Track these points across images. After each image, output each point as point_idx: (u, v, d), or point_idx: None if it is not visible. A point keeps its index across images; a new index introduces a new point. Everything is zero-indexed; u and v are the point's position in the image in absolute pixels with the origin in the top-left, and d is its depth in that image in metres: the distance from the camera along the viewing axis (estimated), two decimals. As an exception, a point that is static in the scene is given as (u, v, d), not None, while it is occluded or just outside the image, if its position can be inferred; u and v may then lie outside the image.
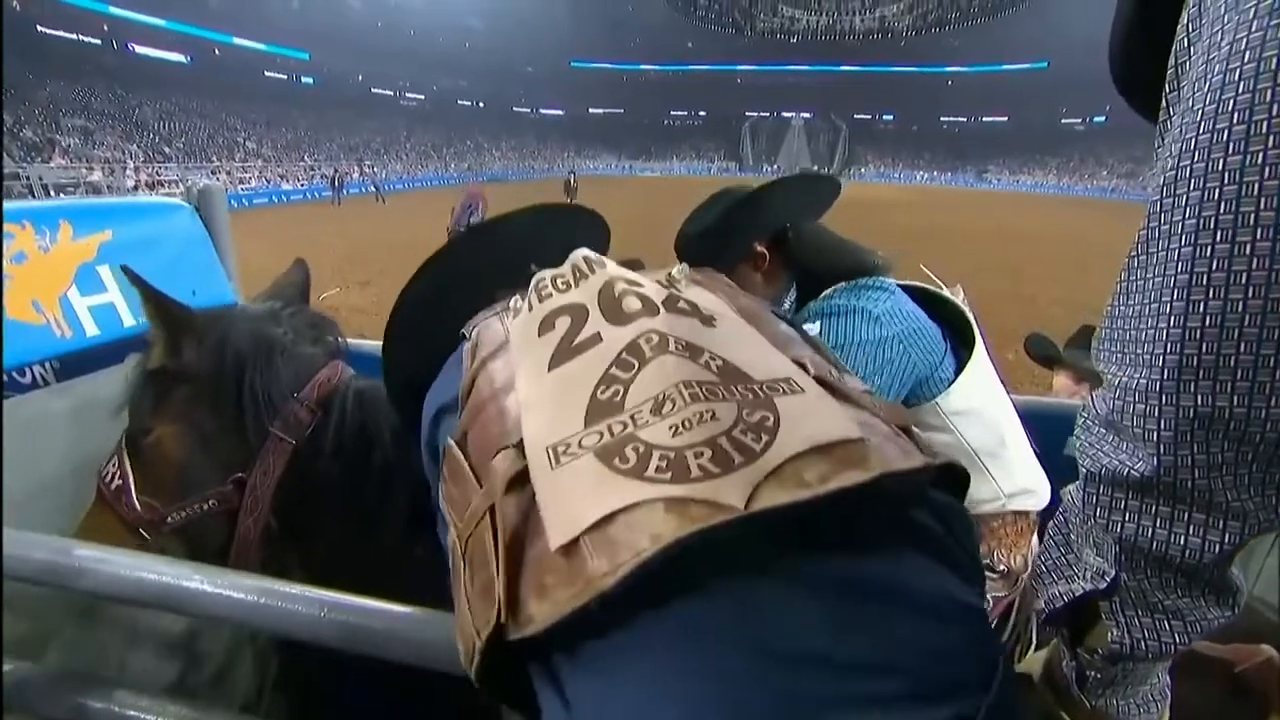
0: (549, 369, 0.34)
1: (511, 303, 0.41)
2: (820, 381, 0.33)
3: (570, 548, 0.26)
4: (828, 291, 0.97)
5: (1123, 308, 0.49)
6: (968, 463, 0.85)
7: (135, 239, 1.09)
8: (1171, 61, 0.47)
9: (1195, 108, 0.42)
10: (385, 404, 0.87)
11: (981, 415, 0.93)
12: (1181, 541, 0.48)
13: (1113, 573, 0.52)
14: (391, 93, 55.34)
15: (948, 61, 63.64)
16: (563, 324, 0.36)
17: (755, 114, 70.59)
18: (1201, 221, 0.41)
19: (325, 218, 19.16)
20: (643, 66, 71.91)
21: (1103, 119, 54.31)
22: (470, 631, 0.29)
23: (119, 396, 1.08)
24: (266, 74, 44.54)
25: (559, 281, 0.39)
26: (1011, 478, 0.92)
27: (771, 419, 0.28)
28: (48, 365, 1.14)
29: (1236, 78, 0.40)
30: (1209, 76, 0.42)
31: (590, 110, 72.37)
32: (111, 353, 1.06)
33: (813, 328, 0.93)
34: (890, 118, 67.91)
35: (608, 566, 0.25)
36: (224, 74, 39.94)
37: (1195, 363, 0.43)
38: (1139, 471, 0.48)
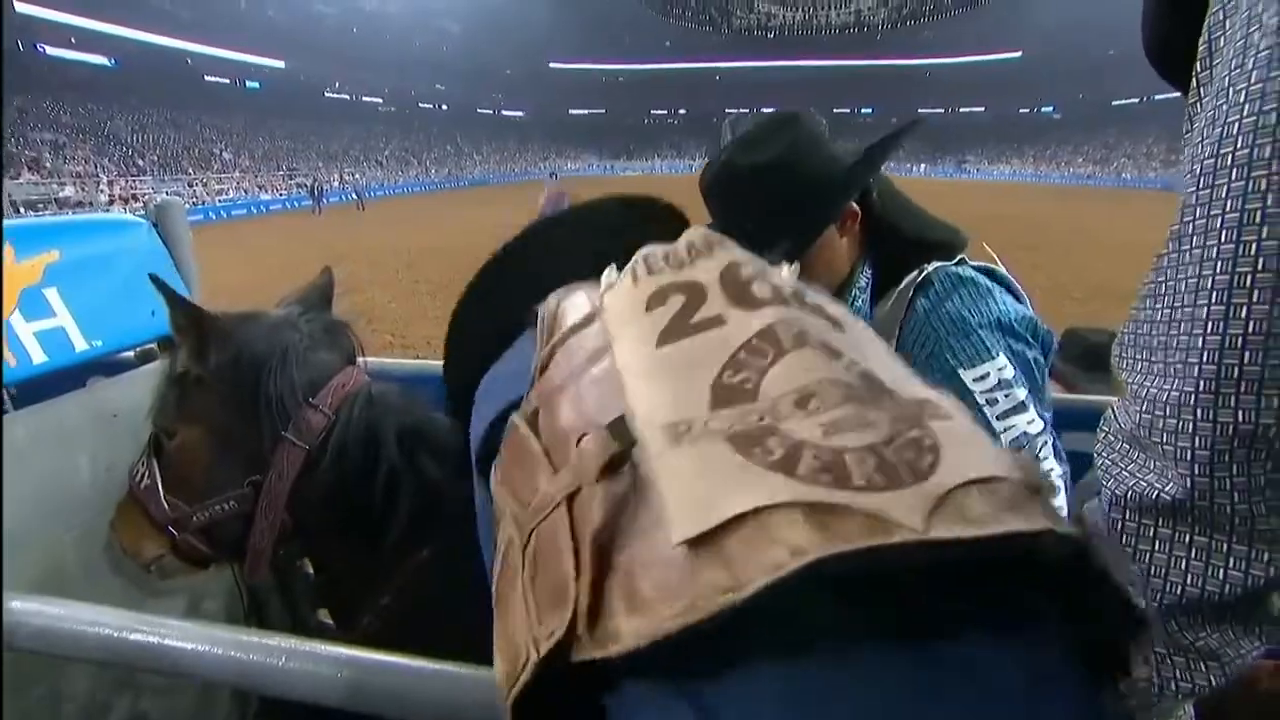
0: (658, 345, 0.28)
1: (604, 275, 0.35)
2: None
3: (688, 549, 0.21)
4: (935, 266, 0.83)
5: (1150, 311, 0.44)
6: None
7: (86, 258, 1.03)
8: (1203, 37, 0.42)
9: (1237, 88, 0.38)
10: (395, 408, 0.88)
11: None
12: (1220, 575, 0.43)
13: (1140, 603, 0.47)
14: (370, 99, 54.88)
15: (923, 54, 64.21)
16: (676, 301, 0.30)
17: (735, 110, 70.73)
18: (1246, 215, 0.37)
19: (306, 227, 18.95)
20: (621, 66, 71.84)
21: (1070, 108, 55.04)
22: (523, 643, 0.24)
23: (78, 422, 1.04)
24: (247, 84, 44.03)
25: (670, 257, 0.33)
26: None
27: (930, 440, 0.24)
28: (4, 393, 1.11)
29: None
30: (1252, 53, 0.37)
31: (570, 111, 72.16)
32: (63, 379, 1.01)
33: (931, 302, 0.81)
34: (869, 111, 68.31)
35: (728, 580, 0.20)
36: (198, 85, 39.43)
37: (1236, 374, 0.38)
38: (1170, 495, 0.43)
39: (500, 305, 0.42)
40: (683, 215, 0.55)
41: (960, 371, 0.76)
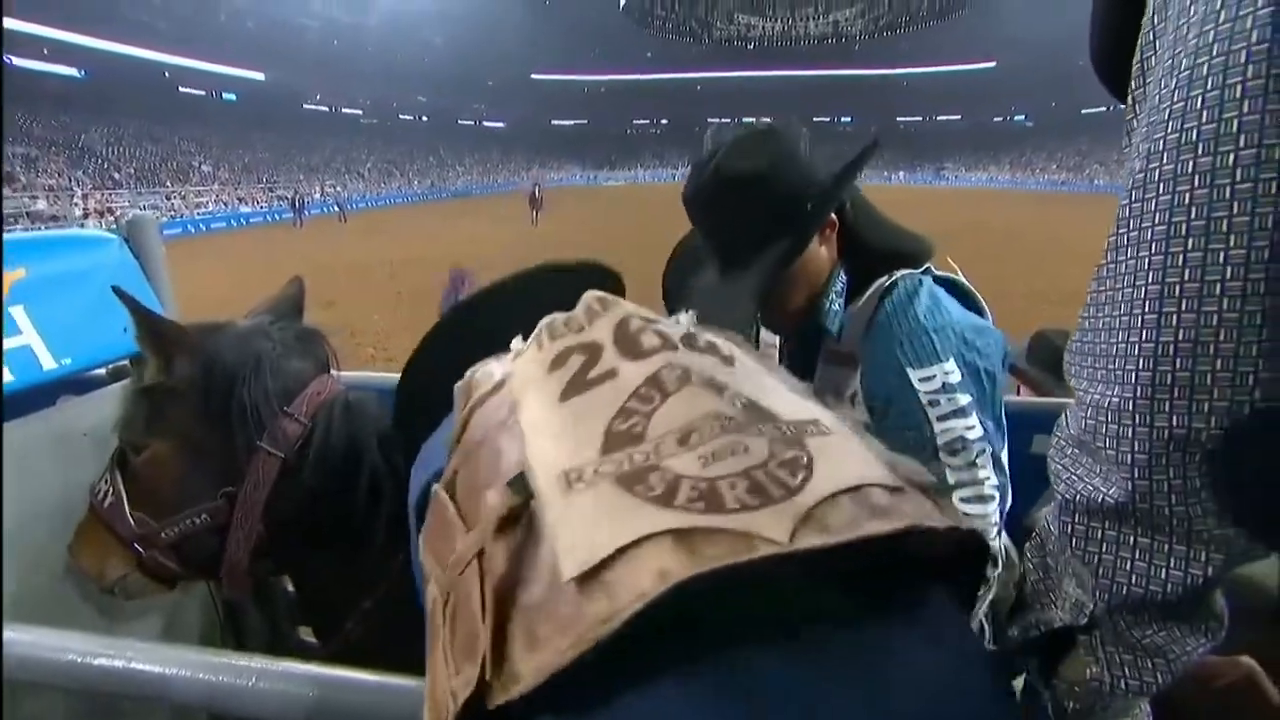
0: (560, 400, 0.31)
1: (513, 344, 0.37)
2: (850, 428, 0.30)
3: (576, 586, 0.22)
4: (902, 274, 0.87)
5: (1093, 320, 0.45)
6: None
7: (55, 275, 1.01)
8: (1137, 56, 0.44)
9: (1162, 106, 0.39)
10: (373, 415, 0.88)
11: None
12: (1162, 575, 0.45)
13: (1091, 606, 0.49)
14: (351, 111, 54.61)
15: (900, 64, 65.22)
16: (576, 361, 0.33)
17: (716, 120, 71.22)
18: (1172, 228, 0.39)
19: (287, 239, 18.76)
20: (603, 77, 72.19)
21: (1043, 116, 56.17)
22: (444, 696, 0.25)
23: (44, 442, 1.02)
24: (223, 96, 43.63)
25: (571, 322, 0.36)
26: None
27: (805, 458, 0.26)
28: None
29: (1205, 72, 0.37)
30: (1176, 72, 0.39)
31: (553, 122, 72.31)
32: (32, 399, 0.99)
33: (894, 305, 0.85)
34: (848, 119, 69.15)
35: (608, 610, 0.21)
36: (176, 97, 39.00)
37: (1169, 380, 0.40)
38: (1113, 498, 0.45)
39: (439, 374, 0.43)
40: (617, 276, 0.58)
41: (908, 370, 0.80)
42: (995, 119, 62.28)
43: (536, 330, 0.36)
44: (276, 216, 26.72)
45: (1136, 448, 0.42)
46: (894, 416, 0.82)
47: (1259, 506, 0.42)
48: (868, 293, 0.89)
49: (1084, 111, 49.83)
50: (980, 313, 0.96)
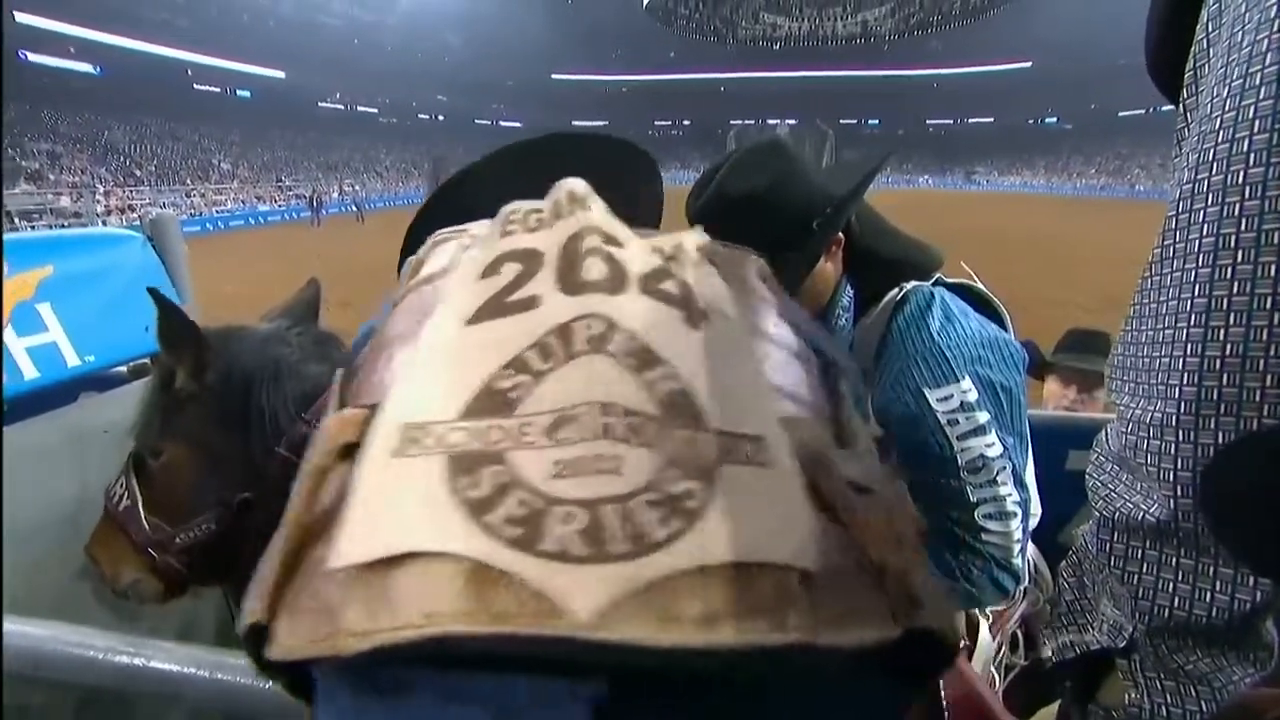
0: (467, 323, 0.27)
1: (474, 228, 0.34)
2: (809, 457, 0.24)
3: (355, 573, 0.20)
4: (913, 285, 0.87)
5: (1135, 333, 0.45)
6: None
7: (80, 273, 1.05)
8: (1190, 64, 0.43)
9: (1213, 115, 0.39)
10: None
11: None
12: (1207, 599, 0.44)
13: (1130, 629, 0.48)
14: (368, 109, 55.45)
15: (931, 64, 64.71)
16: (509, 271, 0.29)
17: (740, 122, 71.28)
18: (1221, 240, 0.38)
19: (304, 238, 19.06)
20: (625, 77, 72.59)
21: (1080, 118, 55.32)
22: (250, 604, 0.22)
23: (65, 439, 1.05)
24: (237, 93, 44.60)
25: (532, 217, 0.32)
26: None
27: (698, 500, 0.21)
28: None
29: (1258, 81, 0.36)
30: (1228, 80, 0.38)
31: (573, 123, 72.80)
32: (54, 395, 1.02)
33: (905, 321, 0.85)
34: (876, 122, 68.78)
35: (363, 625, 0.19)
36: (194, 95, 39.96)
37: (1216, 396, 0.39)
38: (1155, 516, 0.44)
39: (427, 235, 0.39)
40: (643, 154, 0.52)
41: (925, 390, 0.81)
42: (1030, 121, 61.47)
43: (498, 217, 0.32)
44: (294, 215, 27.15)
45: (1180, 465, 0.41)
46: (914, 437, 0.82)
47: (1243, 531, 0.42)
48: (878, 307, 0.89)
49: (1122, 114, 49.06)
50: (999, 318, 0.95)
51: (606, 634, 0.17)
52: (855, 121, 68.48)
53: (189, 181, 29.30)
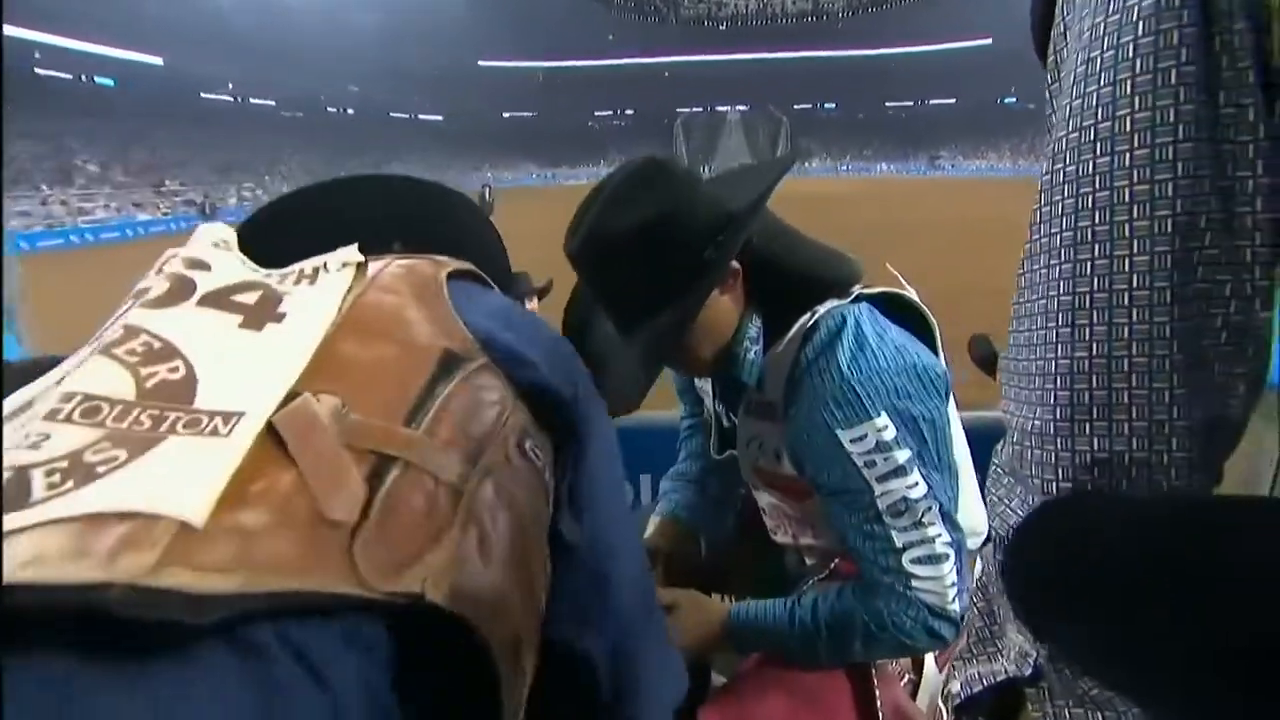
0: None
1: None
2: (295, 422, 0.30)
3: None
4: (826, 308, 0.87)
5: (1016, 334, 0.47)
6: None
7: None
8: (1051, 48, 0.45)
9: (1064, 103, 0.41)
10: None
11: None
12: None
13: (1034, 654, 0.49)
14: (264, 102, 53.95)
15: (888, 43, 67.09)
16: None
17: (687, 109, 72.33)
18: (1079, 234, 0.40)
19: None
20: (559, 63, 72.83)
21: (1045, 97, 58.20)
22: None
23: None
24: (96, 79, 42.56)
25: (165, 263, 0.39)
26: (965, 517, 0.88)
27: (119, 461, 0.26)
28: None
29: (1098, 66, 0.38)
30: (1074, 66, 0.40)
31: (504, 114, 72.58)
32: None
33: (814, 352, 0.85)
34: (833, 106, 70.81)
35: None
36: (39, 82, 38.05)
37: (1088, 399, 0.41)
38: None
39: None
40: (465, 203, 0.57)
41: (837, 431, 0.81)
42: (994, 101, 64.32)
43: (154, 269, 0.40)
44: (183, 225, 26.14)
45: (1060, 475, 0.43)
46: (831, 481, 0.83)
47: (1031, 602, 0.44)
48: (788, 335, 0.88)
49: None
50: (928, 332, 0.95)
51: None
52: (811, 106, 70.33)
53: (45, 186, 27.74)
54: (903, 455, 0.80)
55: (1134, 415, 0.40)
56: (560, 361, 0.44)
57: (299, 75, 54.83)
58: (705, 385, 1.07)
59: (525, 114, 73.13)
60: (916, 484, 0.80)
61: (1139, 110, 0.36)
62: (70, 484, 0.25)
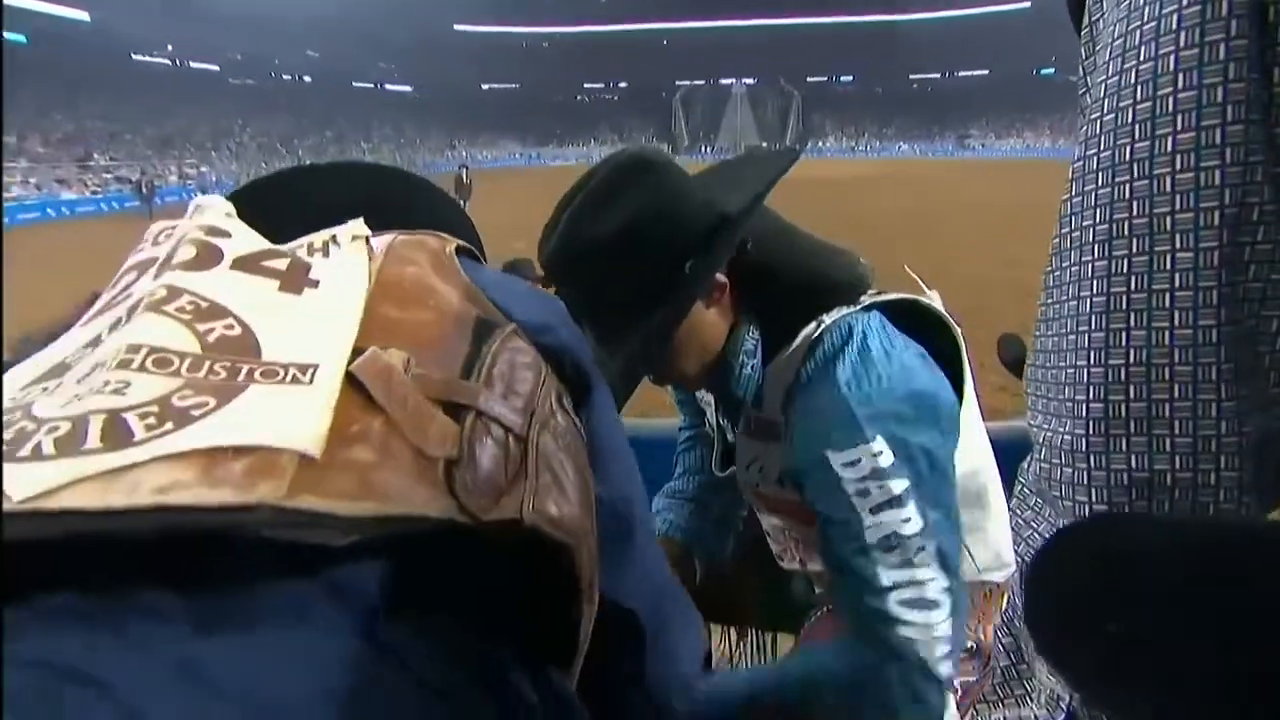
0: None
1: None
2: (374, 372, 0.33)
3: None
4: (834, 316, 0.86)
5: (1043, 339, 0.46)
6: None
7: None
8: (1085, 20, 0.44)
9: (1099, 80, 0.40)
10: None
11: (969, 478, 0.86)
12: None
13: (1067, 699, 0.49)
14: (210, 66, 53.67)
15: (913, 8, 67.26)
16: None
17: (688, 82, 72.36)
18: (1115, 227, 0.39)
19: (132, 235, 18.16)
20: (546, 29, 72.78)
21: (1093, 71, 58.43)
22: None
23: None
24: (6, 37, 42.21)
25: (161, 234, 0.41)
26: (989, 547, 0.87)
27: (210, 406, 0.29)
28: None
29: (1137, 40, 0.36)
30: (1112, 40, 0.39)
31: (483, 86, 72.47)
32: None
33: (815, 367, 0.85)
34: (849, 79, 70.95)
35: None
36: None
37: (1124, 412, 0.40)
38: None
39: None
40: (429, 188, 0.60)
41: (828, 454, 0.81)
42: (1031, 73, 64.49)
43: (145, 237, 0.43)
44: (117, 205, 26.01)
45: (1094, 495, 0.42)
46: (827, 509, 0.83)
47: (1050, 634, 0.42)
48: (791, 347, 0.88)
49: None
50: (952, 346, 0.91)
51: (43, 504, 0.24)
52: (825, 79, 70.46)
53: (-50, 162, 27.56)
54: (898, 485, 0.78)
55: (1176, 430, 0.38)
56: (569, 324, 0.48)
57: (248, 37, 54.57)
58: (707, 397, 1.07)
59: (507, 86, 73.02)
60: (911, 519, 0.78)
61: (1183, 88, 0.34)
62: (169, 425, 0.28)
